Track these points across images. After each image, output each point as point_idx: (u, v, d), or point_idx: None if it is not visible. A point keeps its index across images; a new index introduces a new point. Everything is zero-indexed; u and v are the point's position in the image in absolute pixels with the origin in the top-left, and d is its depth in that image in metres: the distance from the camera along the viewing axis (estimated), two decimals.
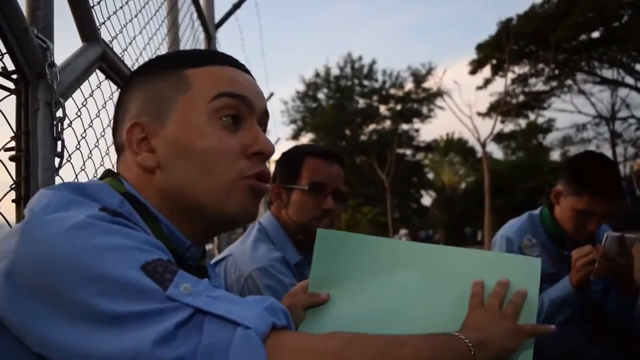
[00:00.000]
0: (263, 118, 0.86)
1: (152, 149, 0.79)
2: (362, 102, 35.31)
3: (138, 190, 0.79)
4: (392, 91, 34.73)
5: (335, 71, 35.24)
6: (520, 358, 0.89)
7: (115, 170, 0.85)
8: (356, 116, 34.46)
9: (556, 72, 24.49)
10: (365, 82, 35.13)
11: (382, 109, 34.99)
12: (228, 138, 0.78)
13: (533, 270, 0.95)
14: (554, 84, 25.80)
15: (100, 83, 1.34)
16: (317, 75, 35.23)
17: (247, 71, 0.87)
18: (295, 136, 34.99)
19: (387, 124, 34.99)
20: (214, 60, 0.83)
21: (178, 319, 0.56)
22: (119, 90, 0.89)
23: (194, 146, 0.77)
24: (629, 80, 23.96)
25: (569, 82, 25.57)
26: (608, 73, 24.44)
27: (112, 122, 0.88)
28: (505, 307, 0.90)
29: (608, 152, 24.84)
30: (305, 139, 34.97)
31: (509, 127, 28.86)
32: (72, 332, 0.56)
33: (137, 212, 0.75)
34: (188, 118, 0.78)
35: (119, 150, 0.85)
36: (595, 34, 21.91)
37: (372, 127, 35.11)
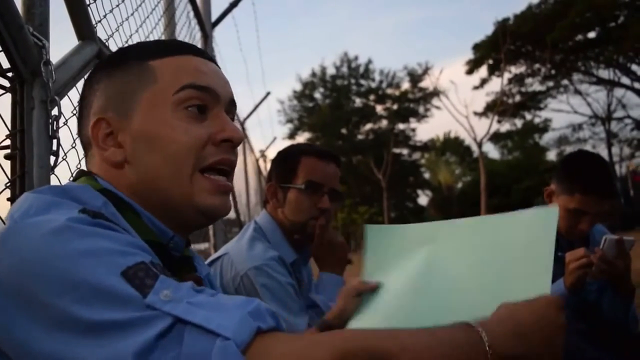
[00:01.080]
0: (229, 106, 0.85)
1: (119, 144, 0.78)
2: (358, 102, 35.32)
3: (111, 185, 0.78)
4: (389, 91, 34.77)
5: (331, 70, 35.26)
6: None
7: (86, 169, 0.84)
8: (353, 115, 34.48)
9: (552, 72, 24.56)
10: (362, 82, 35.15)
11: (379, 108, 35.02)
12: (194, 128, 0.78)
13: (551, 219, 0.95)
14: (551, 84, 25.87)
15: None
16: (314, 74, 35.22)
17: (211, 59, 0.86)
18: (292, 135, 35.01)
19: (384, 123, 35.01)
20: (177, 50, 0.82)
21: (158, 329, 0.54)
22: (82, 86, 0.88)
23: (159, 138, 0.76)
24: (625, 80, 24.06)
25: (565, 82, 25.64)
26: (604, 73, 24.52)
27: (77, 119, 0.87)
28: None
29: (604, 152, 24.90)
30: (302, 138, 34.99)
31: (505, 127, 28.94)
32: (51, 340, 0.55)
33: (118, 210, 0.74)
34: (153, 111, 0.77)
35: (86, 146, 0.83)
36: (592, 35, 21.99)
37: (368, 126, 35.16)
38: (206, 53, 0.86)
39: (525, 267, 0.93)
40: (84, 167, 1.23)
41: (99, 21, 1.33)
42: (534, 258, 0.93)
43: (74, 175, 0.86)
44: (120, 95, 0.79)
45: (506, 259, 0.95)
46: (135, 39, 1.70)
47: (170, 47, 0.83)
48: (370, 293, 1.06)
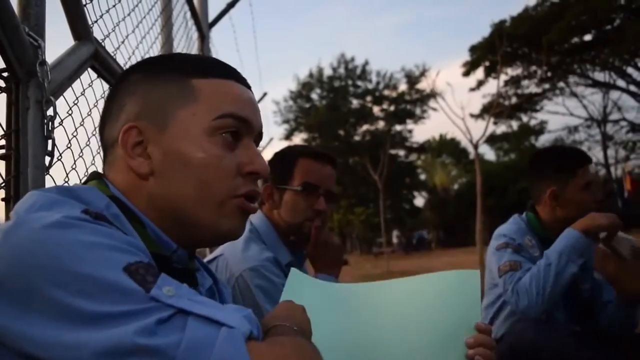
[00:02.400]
0: (258, 137, 0.88)
1: (147, 155, 0.78)
2: (355, 103, 35.33)
3: (126, 193, 0.78)
4: (386, 92, 34.82)
5: (328, 71, 35.25)
6: None
7: (102, 171, 0.84)
8: (350, 116, 34.48)
9: (549, 74, 24.60)
10: (359, 83, 35.16)
11: (376, 109, 35.06)
12: (226, 155, 0.79)
13: (472, 281, 1.01)
14: (547, 86, 25.94)
15: (92, 82, 1.34)
16: (311, 75, 35.20)
17: (249, 86, 0.87)
18: (288, 136, 35.01)
19: (381, 124, 35.07)
20: (221, 73, 0.83)
21: (159, 316, 0.55)
22: (114, 83, 0.88)
23: (191, 159, 0.77)
24: (621, 83, 24.18)
25: (561, 84, 25.73)
26: (600, 76, 24.62)
27: (101, 115, 0.87)
28: None
29: (599, 154, 25.03)
30: (298, 139, 35.01)
31: (501, 128, 29.01)
32: (49, 328, 0.55)
33: (124, 215, 0.74)
34: (189, 130, 0.78)
35: (107, 146, 0.83)
36: (588, 37, 22.05)
37: (365, 127, 35.19)
38: (245, 80, 0.87)
39: (449, 327, 0.96)
40: (79, 168, 1.23)
41: (95, 21, 1.33)
42: (458, 319, 0.97)
43: (87, 176, 0.86)
44: (158, 106, 0.79)
45: (429, 319, 0.98)
46: (132, 40, 1.70)
47: (214, 68, 0.84)
48: None
